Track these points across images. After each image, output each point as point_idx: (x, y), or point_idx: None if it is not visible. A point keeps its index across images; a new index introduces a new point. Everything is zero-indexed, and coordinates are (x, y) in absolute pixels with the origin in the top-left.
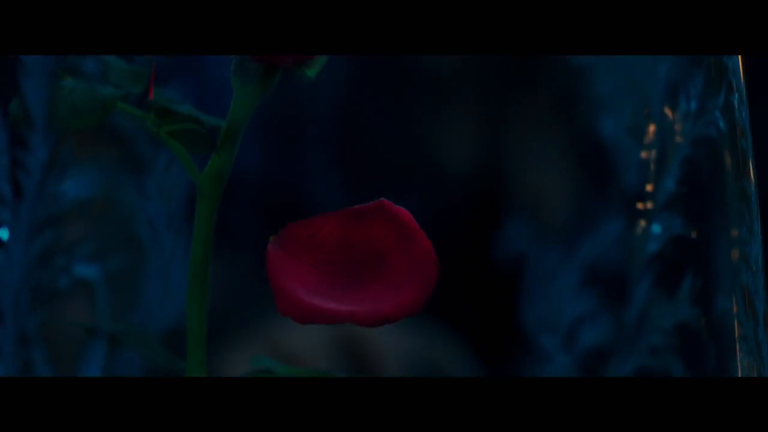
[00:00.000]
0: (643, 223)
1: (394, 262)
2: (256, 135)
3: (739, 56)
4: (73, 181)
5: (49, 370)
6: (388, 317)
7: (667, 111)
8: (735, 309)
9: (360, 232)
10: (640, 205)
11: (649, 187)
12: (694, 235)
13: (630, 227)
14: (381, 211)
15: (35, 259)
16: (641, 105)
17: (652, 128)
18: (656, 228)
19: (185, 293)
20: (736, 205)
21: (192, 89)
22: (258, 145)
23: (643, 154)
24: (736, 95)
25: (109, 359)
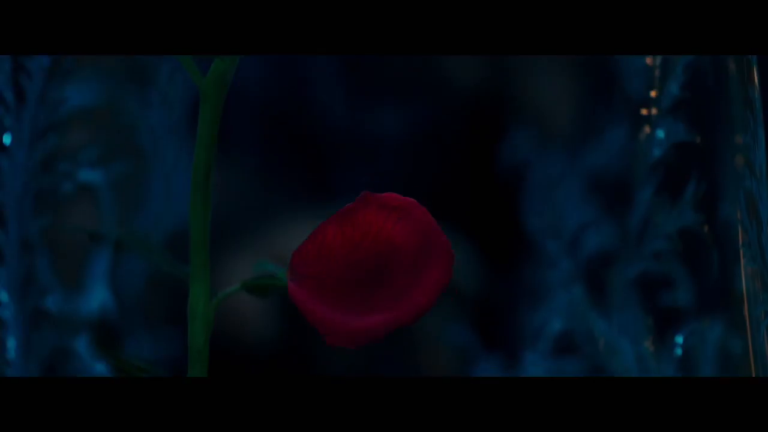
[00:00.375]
0: (647, 129)
1: (405, 245)
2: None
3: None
4: (76, 88)
5: (51, 275)
6: (427, 306)
7: None
8: (739, 215)
9: (360, 229)
10: (644, 112)
11: (653, 93)
12: (698, 140)
13: (634, 134)
14: (369, 203)
15: (38, 164)
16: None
17: None
18: (660, 133)
19: (188, 199)
20: (741, 110)
21: None
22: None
23: (648, 60)
24: None
25: (114, 265)
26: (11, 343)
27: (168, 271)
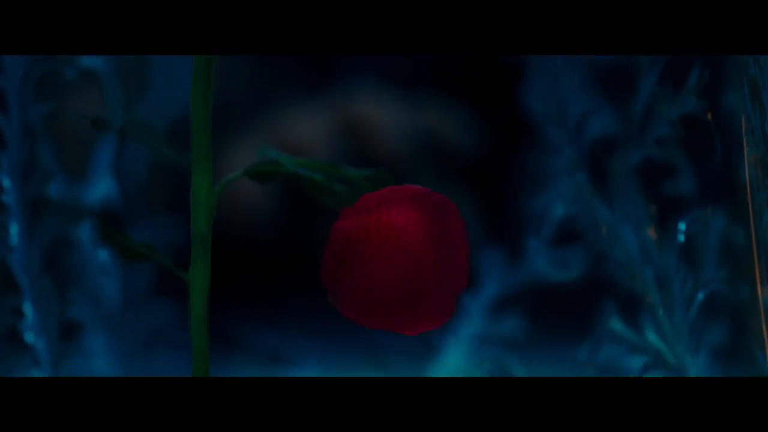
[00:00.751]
0: None
1: (411, 222)
2: None
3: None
4: None
5: (54, 161)
6: (469, 257)
7: None
8: (742, 102)
9: (362, 228)
10: None
11: None
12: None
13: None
14: (352, 212)
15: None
16: None
17: None
18: None
19: (190, 86)
20: None
21: None
22: None
23: None
24: None
25: (117, 152)
26: (14, 229)
27: (170, 157)
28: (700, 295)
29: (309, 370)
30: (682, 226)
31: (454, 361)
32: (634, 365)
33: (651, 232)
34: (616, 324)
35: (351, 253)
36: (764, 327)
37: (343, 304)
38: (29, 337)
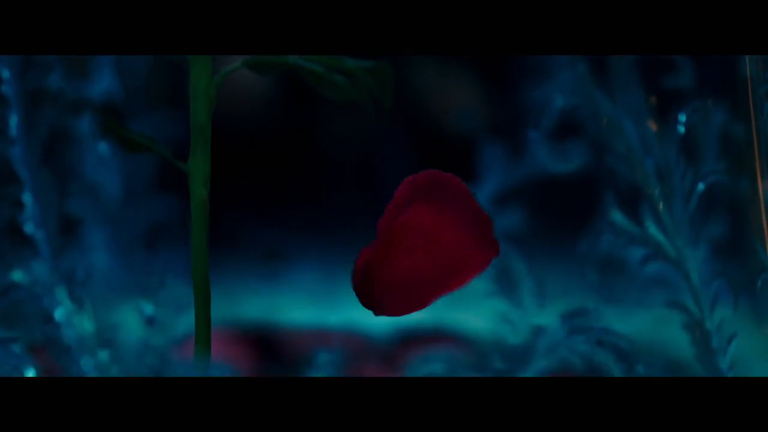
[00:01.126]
0: None
1: (415, 209)
2: None
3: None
4: None
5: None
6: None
7: None
8: None
9: (374, 244)
10: None
11: None
12: None
13: None
14: (362, 253)
15: None
16: None
17: None
18: None
19: None
20: None
21: None
22: None
23: None
24: None
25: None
26: (13, 121)
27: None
28: (700, 187)
29: (307, 266)
30: (682, 117)
31: None
32: (634, 257)
33: (651, 124)
34: (617, 216)
35: (372, 262)
36: (764, 220)
37: (390, 306)
38: (29, 228)
